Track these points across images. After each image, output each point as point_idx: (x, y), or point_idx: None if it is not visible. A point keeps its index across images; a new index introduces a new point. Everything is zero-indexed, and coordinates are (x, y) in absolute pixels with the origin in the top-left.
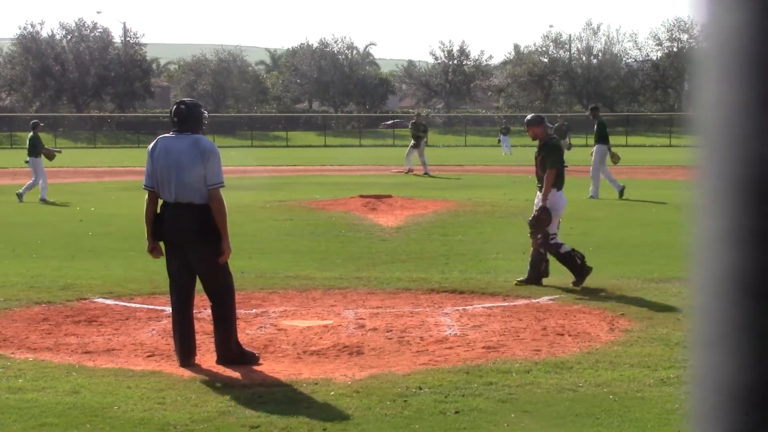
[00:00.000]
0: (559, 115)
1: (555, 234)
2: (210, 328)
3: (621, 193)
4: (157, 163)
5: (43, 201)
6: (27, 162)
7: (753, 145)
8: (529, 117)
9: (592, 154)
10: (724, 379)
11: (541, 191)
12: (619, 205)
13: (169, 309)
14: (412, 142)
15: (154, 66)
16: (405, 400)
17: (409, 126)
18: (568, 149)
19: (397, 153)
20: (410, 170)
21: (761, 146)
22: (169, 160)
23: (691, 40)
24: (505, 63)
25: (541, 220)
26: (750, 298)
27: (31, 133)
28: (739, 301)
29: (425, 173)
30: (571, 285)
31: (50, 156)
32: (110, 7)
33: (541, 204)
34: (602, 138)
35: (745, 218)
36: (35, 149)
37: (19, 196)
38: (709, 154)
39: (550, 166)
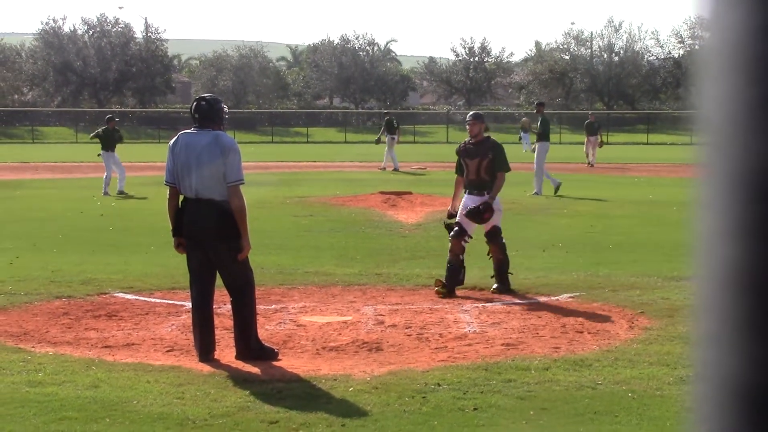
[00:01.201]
0: (590, 112)
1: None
2: (229, 323)
3: (557, 189)
4: (178, 158)
5: (121, 193)
6: (99, 155)
7: (754, 142)
8: (477, 113)
9: (534, 151)
10: (725, 375)
11: (474, 194)
12: (639, 204)
13: (188, 304)
14: (389, 138)
15: (175, 62)
16: (424, 397)
17: (383, 123)
18: (600, 146)
19: (418, 150)
20: (395, 168)
21: (763, 143)
22: (189, 156)
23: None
24: (526, 60)
25: (486, 218)
26: (752, 294)
27: (105, 127)
28: (741, 297)
29: (383, 168)
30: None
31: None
32: (132, 3)
33: (487, 201)
34: (545, 135)
35: (747, 215)
36: (110, 143)
37: (106, 194)
38: (712, 151)
39: (504, 169)
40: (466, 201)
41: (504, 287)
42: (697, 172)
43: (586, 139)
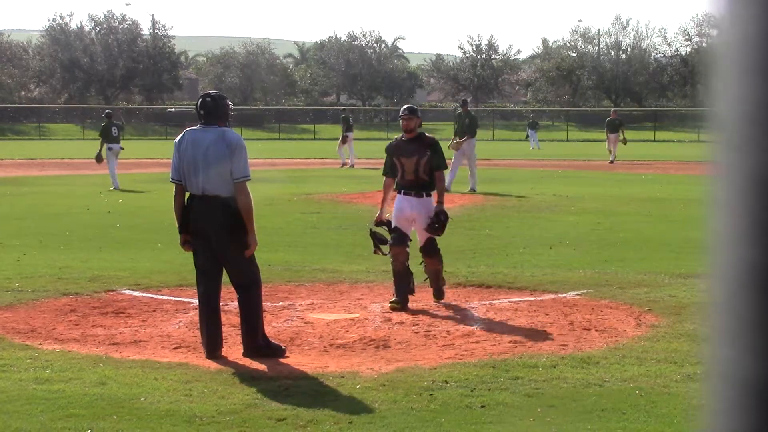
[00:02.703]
0: (613, 109)
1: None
2: (237, 320)
3: (472, 190)
4: (184, 155)
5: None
6: (111, 149)
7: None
8: (412, 107)
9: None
10: (738, 373)
11: (410, 195)
12: (646, 201)
13: (195, 301)
14: (344, 135)
15: (182, 58)
16: (431, 394)
17: (341, 121)
18: (624, 144)
19: None
20: (345, 164)
21: None
22: (196, 153)
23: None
24: (533, 57)
25: (444, 225)
26: (764, 293)
27: (106, 122)
28: (755, 295)
29: (351, 165)
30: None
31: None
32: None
33: (438, 209)
34: (473, 131)
35: (761, 214)
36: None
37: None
38: (725, 150)
39: (442, 167)
40: (400, 203)
41: (440, 294)
42: (710, 171)
43: (607, 137)
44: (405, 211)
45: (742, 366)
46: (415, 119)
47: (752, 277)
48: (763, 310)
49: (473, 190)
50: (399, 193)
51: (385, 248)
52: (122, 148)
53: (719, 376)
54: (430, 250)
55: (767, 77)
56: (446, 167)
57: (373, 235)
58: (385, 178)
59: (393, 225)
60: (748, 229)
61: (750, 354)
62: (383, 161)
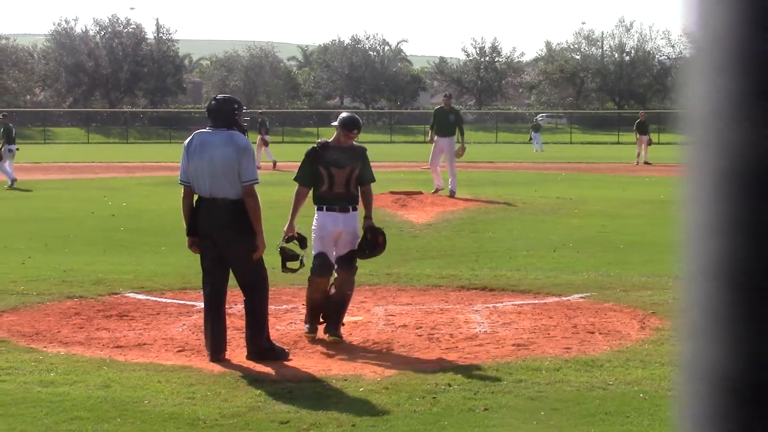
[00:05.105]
0: (641, 112)
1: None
2: (240, 323)
3: (437, 191)
4: (193, 157)
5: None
6: (10, 151)
7: (737, 140)
8: (356, 119)
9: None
10: (707, 367)
11: (335, 212)
12: (650, 203)
13: (199, 304)
14: (260, 138)
15: (186, 62)
16: (434, 397)
17: (259, 124)
18: (649, 144)
19: (429, 149)
20: (274, 163)
21: (745, 141)
22: (204, 155)
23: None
24: (536, 60)
25: (384, 240)
26: (733, 288)
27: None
28: (722, 291)
29: (274, 164)
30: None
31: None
32: (143, 4)
33: (371, 224)
34: (462, 129)
35: (730, 211)
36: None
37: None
38: (696, 149)
39: (372, 180)
40: (322, 220)
41: (337, 331)
42: (682, 169)
43: (637, 138)
44: (328, 228)
45: (710, 360)
46: (357, 132)
47: (720, 272)
48: (730, 304)
49: (453, 193)
50: (320, 209)
51: (294, 264)
52: (17, 149)
53: (689, 369)
54: (347, 262)
55: (732, 75)
56: (374, 179)
57: (282, 251)
58: (298, 186)
59: (317, 250)
60: (717, 224)
61: (717, 348)
62: (388, 165)
